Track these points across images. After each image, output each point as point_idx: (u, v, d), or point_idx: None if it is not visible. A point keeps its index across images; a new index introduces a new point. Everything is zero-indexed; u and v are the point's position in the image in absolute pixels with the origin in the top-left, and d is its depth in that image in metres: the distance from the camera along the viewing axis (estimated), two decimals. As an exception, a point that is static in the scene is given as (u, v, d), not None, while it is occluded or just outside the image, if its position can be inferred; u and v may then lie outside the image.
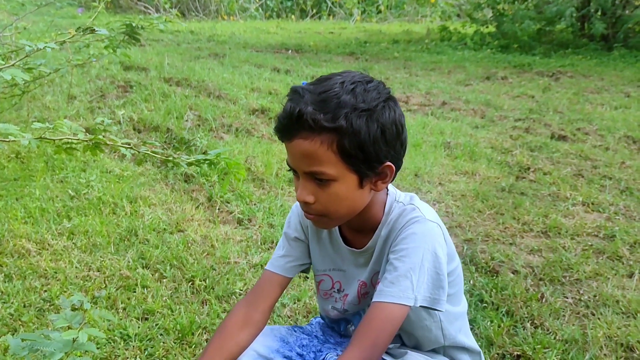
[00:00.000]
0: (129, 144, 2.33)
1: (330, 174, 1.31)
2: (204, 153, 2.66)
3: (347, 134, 1.27)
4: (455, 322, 1.59)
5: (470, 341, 1.65)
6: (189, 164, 2.43)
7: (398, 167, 1.39)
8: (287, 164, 1.38)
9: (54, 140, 2.33)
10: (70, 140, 2.30)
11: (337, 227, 1.55)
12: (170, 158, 2.39)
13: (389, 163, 1.36)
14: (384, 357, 1.46)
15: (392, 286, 1.35)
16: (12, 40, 4.08)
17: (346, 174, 1.32)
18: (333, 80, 1.30)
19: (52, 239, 2.91)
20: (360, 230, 1.51)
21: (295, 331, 1.69)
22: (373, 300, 1.37)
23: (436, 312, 1.50)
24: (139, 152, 2.26)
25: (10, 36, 3.96)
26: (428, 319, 1.53)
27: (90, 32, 2.52)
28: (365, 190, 1.38)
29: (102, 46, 3.48)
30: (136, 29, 3.22)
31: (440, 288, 1.39)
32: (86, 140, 2.21)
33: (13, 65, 2.32)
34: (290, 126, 1.29)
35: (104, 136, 2.34)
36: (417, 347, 1.59)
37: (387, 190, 1.50)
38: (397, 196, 1.50)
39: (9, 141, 2.01)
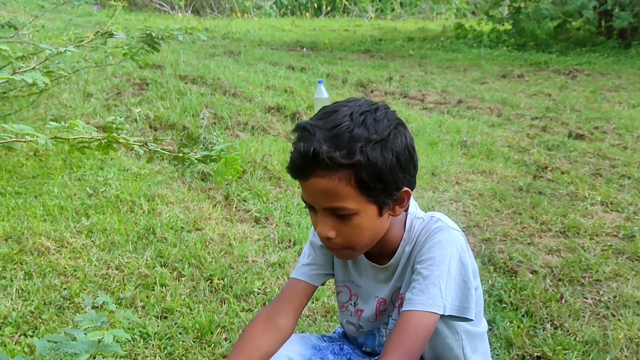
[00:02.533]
0: (141, 142, 2.34)
1: (351, 208, 1.30)
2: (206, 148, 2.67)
3: (364, 168, 1.26)
4: (475, 342, 1.58)
5: None
6: (198, 160, 2.45)
7: (412, 189, 1.39)
8: (303, 199, 1.37)
9: (68, 139, 2.34)
10: (83, 139, 2.31)
11: None
12: (180, 155, 2.41)
13: (406, 188, 1.36)
14: None
15: (422, 294, 1.34)
16: (29, 39, 4.11)
17: (366, 206, 1.32)
18: (341, 113, 1.28)
19: (71, 237, 2.93)
20: (380, 253, 1.50)
21: (325, 340, 1.68)
22: (403, 309, 1.36)
23: (458, 331, 1.50)
24: (149, 149, 2.27)
25: (28, 34, 3.99)
26: (450, 336, 1.52)
27: (109, 37, 2.53)
28: (385, 217, 1.38)
29: (120, 50, 3.50)
30: (156, 39, 3.23)
31: (469, 296, 1.38)
32: (99, 139, 2.22)
33: (34, 68, 2.34)
34: (305, 166, 1.27)
35: (117, 134, 2.35)
36: None
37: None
38: (417, 213, 1.49)
39: (25, 141, 2.03)
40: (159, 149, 2.26)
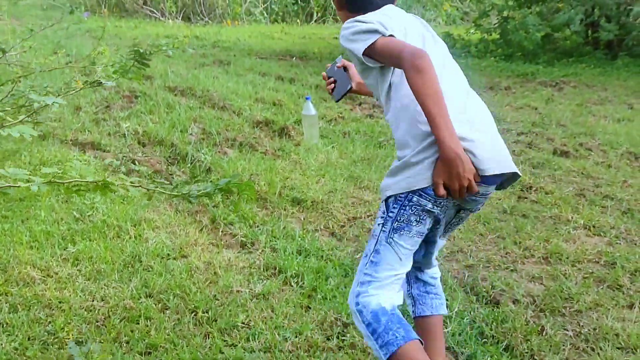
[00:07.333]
0: (139, 183, 2.34)
1: None
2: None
3: None
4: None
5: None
6: (199, 196, 2.44)
7: None
8: None
9: (63, 183, 2.35)
10: (79, 183, 2.31)
11: None
12: (180, 194, 2.40)
13: None
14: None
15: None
16: (17, 59, 4.12)
17: None
18: None
19: (57, 266, 2.94)
20: None
21: None
22: None
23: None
24: (148, 190, 2.28)
25: (16, 55, 4.00)
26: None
27: (98, 85, 2.55)
28: None
29: (111, 70, 3.51)
30: (145, 55, 3.24)
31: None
32: (95, 182, 2.22)
33: (21, 121, 2.35)
34: None
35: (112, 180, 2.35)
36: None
37: None
38: None
39: (19, 186, 2.04)
40: (158, 189, 2.27)
